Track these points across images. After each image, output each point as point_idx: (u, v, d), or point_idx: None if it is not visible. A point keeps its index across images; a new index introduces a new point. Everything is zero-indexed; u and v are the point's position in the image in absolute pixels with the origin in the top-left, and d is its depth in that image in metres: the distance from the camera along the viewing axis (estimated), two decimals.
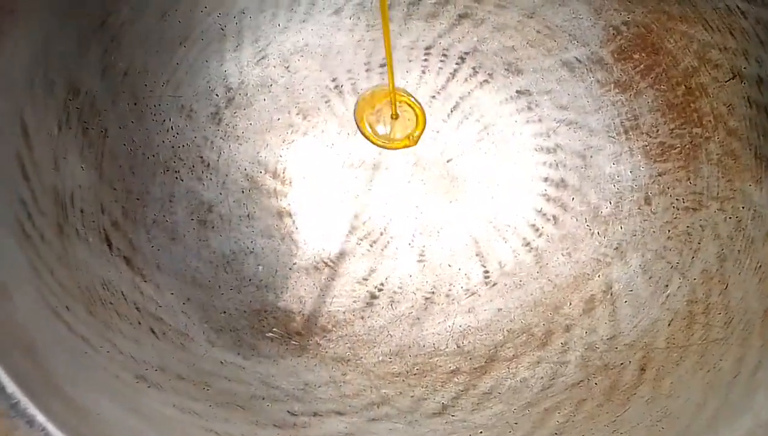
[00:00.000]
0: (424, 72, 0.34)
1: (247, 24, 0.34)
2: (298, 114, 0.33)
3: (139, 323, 0.25)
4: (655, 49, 0.32)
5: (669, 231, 0.29)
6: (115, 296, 0.25)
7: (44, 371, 0.20)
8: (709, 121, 0.30)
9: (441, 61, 0.34)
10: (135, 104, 0.30)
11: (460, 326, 0.30)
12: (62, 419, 0.19)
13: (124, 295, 0.25)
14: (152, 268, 0.27)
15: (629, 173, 0.32)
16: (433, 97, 0.34)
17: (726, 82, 0.29)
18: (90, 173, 0.27)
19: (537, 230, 0.31)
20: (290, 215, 0.32)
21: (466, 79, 0.34)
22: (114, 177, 0.28)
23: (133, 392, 0.22)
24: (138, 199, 0.29)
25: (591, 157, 0.32)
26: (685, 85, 0.31)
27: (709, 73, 0.30)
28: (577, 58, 0.34)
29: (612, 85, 0.33)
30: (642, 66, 0.32)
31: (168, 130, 0.31)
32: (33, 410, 0.18)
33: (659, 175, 0.31)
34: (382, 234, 0.31)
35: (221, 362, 0.26)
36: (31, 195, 0.23)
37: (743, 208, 0.27)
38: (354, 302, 0.30)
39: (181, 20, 0.32)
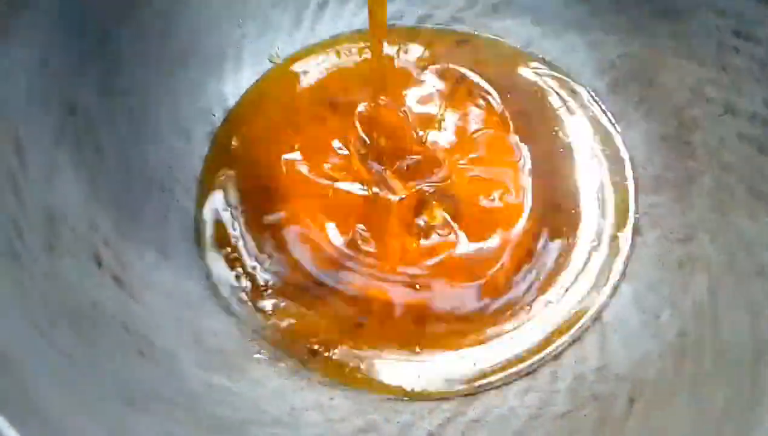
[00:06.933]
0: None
1: (247, 47, 0.34)
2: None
3: (127, 344, 0.25)
4: (649, 82, 0.32)
5: (661, 263, 0.29)
6: (103, 316, 0.25)
7: (25, 393, 0.19)
8: (702, 155, 0.30)
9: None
10: (132, 123, 0.30)
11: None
12: None
13: (112, 315, 0.25)
14: (142, 288, 0.27)
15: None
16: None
17: (719, 116, 0.29)
18: (83, 191, 0.27)
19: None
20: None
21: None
22: (108, 195, 0.28)
23: (118, 415, 0.22)
24: (131, 218, 0.29)
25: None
26: (678, 119, 0.31)
27: (703, 108, 0.30)
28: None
29: (606, 117, 0.33)
30: (636, 98, 0.32)
31: (165, 150, 0.31)
32: (11, 433, 0.18)
33: (651, 207, 0.31)
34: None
35: (209, 385, 0.26)
36: (22, 212, 0.23)
37: (736, 243, 0.27)
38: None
39: (182, 41, 0.32)
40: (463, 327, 0.30)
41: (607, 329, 0.29)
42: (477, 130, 0.33)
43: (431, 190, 0.32)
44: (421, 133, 0.33)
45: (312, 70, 0.35)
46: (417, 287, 0.30)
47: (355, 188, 0.32)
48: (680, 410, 0.24)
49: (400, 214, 0.31)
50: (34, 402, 0.20)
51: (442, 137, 0.33)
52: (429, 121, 0.34)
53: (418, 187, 0.32)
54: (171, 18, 0.31)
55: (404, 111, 0.33)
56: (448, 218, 0.31)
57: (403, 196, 0.32)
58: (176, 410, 0.24)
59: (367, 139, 0.33)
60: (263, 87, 0.34)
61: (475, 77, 0.35)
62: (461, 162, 0.33)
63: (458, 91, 0.34)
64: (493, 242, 0.31)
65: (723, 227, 0.28)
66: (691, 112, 0.30)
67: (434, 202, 0.31)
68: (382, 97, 0.33)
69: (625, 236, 0.31)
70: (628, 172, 0.32)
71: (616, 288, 0.30)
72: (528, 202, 0.32)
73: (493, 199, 0.32)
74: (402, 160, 0.32)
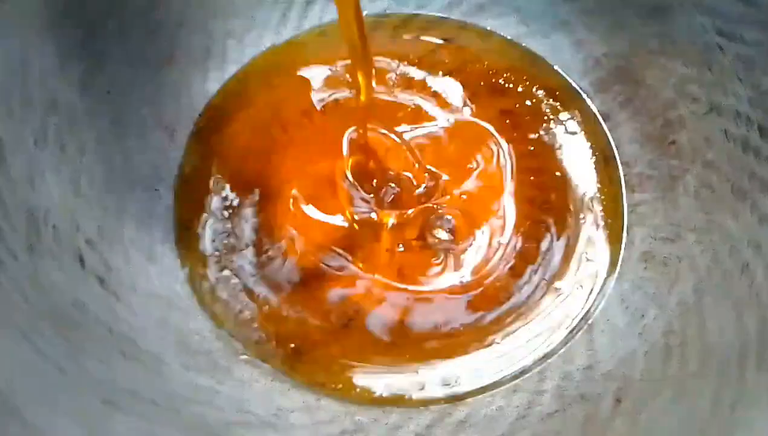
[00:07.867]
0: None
1: (232, 44, 0.34)
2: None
3: (111, 345, 0.24)
4: (634, 81, 0.32)
5: (646, 261, 0.30)
6: (87, 317, 0.24)
7: (3, 394, 0.19)
8: (687, 153, 0.30)
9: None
10: (116, 121, 0.30)
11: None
12: None
13: (95, 316, 0.25)
14: (127, 288, 0.27)
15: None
16: None
17: (704, 115, 0.29)
18: (66, 191, 0.26)
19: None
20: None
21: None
22: (91, 195, 0.27)
23: (100, 417, 0.22)
24: (115, 217, 0.28)
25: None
26: (663, 117, 0.31)
27: (688, 106, 0.30)
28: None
29: (591, 115, 0.33)
30: (621, 97, 0.32)
31: (149, 149, 0.31)
32: None
33: (637, 206, 0.31)
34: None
35: (195, 387, 0.26)
36: (3, 213, 0.23)
37: (720, 241, 0.27)
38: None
39: (166, 38, 0.32)
40: (451, 329, 0.30)
41: (594, 329, 0.29)
42: (460, 134, 0.33)
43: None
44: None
45: (298, 64, 0.34)
46: (405, 293, 0.30)
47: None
48: (666, 409, 0.24)
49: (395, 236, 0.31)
50: (14, 403, 0.19)
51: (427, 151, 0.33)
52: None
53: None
54: (155, 14, 0.31)
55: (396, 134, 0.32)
56: (444, 233, 0.31)
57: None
58: (160, 412, 0.24)
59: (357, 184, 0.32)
60: (247, 82, 0.34)
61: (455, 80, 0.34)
62: (445, 177, 0.32)
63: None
64: (483, 249, 0.31)
65: (708, 226, 0.28)
66: (676, 111, 0.30)
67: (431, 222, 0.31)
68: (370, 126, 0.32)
69: (611, 235, 0.31)
70: (614, 171, 0.32)
71: (602, 287, 0.30)
72: (514, 205, 0.32)
73: (482, 207, 0.32)
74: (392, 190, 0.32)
